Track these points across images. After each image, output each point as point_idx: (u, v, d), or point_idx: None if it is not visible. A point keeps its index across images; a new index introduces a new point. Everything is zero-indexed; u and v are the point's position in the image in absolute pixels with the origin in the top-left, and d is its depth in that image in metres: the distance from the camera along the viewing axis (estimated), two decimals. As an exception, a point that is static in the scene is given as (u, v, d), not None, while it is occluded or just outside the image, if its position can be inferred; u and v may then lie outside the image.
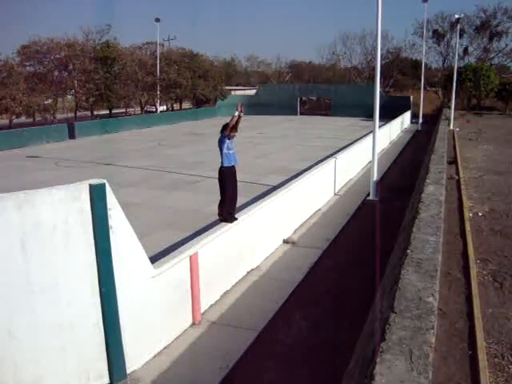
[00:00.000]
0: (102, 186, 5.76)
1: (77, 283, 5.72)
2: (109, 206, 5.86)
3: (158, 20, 50.53)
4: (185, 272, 7.79)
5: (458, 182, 18.12)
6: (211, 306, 8.68)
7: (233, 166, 9.78)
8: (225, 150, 9.58)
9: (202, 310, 8.35)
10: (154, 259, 7.36)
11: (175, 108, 63.83)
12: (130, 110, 59.59)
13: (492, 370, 6.43)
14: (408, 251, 7.73)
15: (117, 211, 6.05)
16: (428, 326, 5.24)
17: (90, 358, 6.00)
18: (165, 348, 7.30)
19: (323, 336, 7.72)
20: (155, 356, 7.07)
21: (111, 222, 5.90)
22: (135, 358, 6.65)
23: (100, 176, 6.23)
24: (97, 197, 5.69)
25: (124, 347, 6.30)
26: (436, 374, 5.91)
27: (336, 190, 17.58)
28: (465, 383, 6.08)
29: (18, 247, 5.15)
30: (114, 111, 51.32)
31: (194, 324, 8.05)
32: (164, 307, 7.31)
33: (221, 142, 9.65)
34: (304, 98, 63.09)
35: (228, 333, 7.88)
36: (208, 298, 8.59)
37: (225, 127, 9.52)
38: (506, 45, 70.64)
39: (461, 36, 63.05)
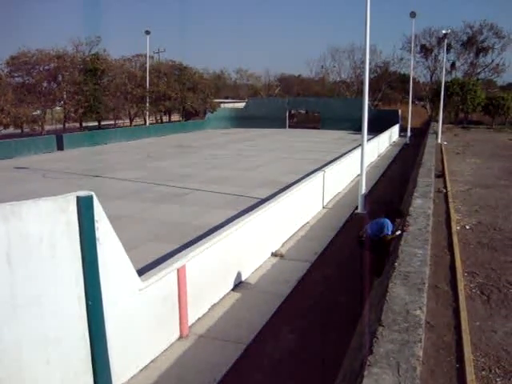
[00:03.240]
0: (90, 198, 5.72)
1: (63, 296, 5.66)
2: (96, 218, 5.82)
3: (147, 32, 50.67)
4: (172, 285, 7.75)
5: (446, 195, 18.23)
6: (199, 319, 8.63)
7: None
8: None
9: (190, 323, 8.30)
10: (141, 272, 7.31)
11: (164, 120, 63.82)
12: (119, 122, 59.50)
13: (479, 383, 6.44)
14: (396, 264, 7.76)
15: (104, 223, 6.01)
16: (415, 339, 5.24)
17: (76, 371, 5.93)
18: (152, 362, 7.24)
19: (311, 349, 7.70)
20: (142, 370, 7.00)
21: (98, 234, 5.86)
22: (122, 371, 6.57)
23: (88, 188, 6.19)
24: (84, 209, 5.65)
25: (110, 361, 6.23)
26: (424, 388, 5.91)
27: (324, 203, 17.61)
28: (452, 397, 6.08)
29: (3, 259, 5.09)
30: (102, 123, 51.22)
31: (181, 337, 7.99)
32: (151, 320, 7.26)
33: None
34: (293, 112, 63.41)
35: (216, 346, 7.83)
36: (196, 311, 8.55)
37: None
38: (492, 60, 72.10)
39: (448, 51, 63.97)
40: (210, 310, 8.99)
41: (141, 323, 7.01)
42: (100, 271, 5.91)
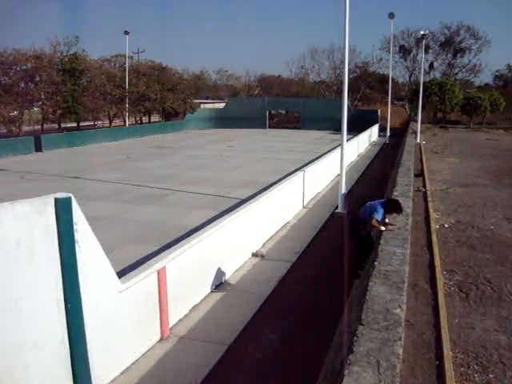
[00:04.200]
0: (68, 199, 5.66)
1: (41, 299, 5.59)
2: (75, 220, 5.76)
3: (126, 33, 50.27)
4: (153, 286, 7.70)
5: (425, 194, 18.38)
6: (180, 320, 8.59)
7: None
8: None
9: (171, 325, 8.26)
10: (121, 274, 7.27)
11: (144, 121, 63.51)
12: (99, 122, 59.08)
13: (458, 380, 6.50)
14: (375, 263, 7.81)
15: (83, 225, 5.96)
16: (395, 338, 5.27)
17: (55, 375, 5.86)
18: (133, 364, 7.19)
19: (292, 349, 7.71)
20: (123, 372, 6.95)
21: (77, 236, 5.80)
22: (102, 375, 6.52)
23: (67, 190, 6.13)
24: (62, 211, 5.58)
25: (90, 364, 6.17)
26: (404, 385, 5.96)
27: (305, 203, 17.66)
28: (432, 394, 6.13)
29: (-21, 263, 5.02)
30: (81, 124, 50.79)
31: (162, 339, 7.95)
32: (132, 322, 7.21)
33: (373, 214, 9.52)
34: (273, 112, 63.54)
35: (197, 347, 7.80)
36: (176, 312, 8.51)
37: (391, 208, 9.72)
38: (469, 61, 73.39)
39: (426, 52, 64.73)
40: (191, 311, 8.96)
41: (121, 325, 6.96)
42: (79, 274, 5.85)
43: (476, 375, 6.64)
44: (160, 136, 47.97)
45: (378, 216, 9.44)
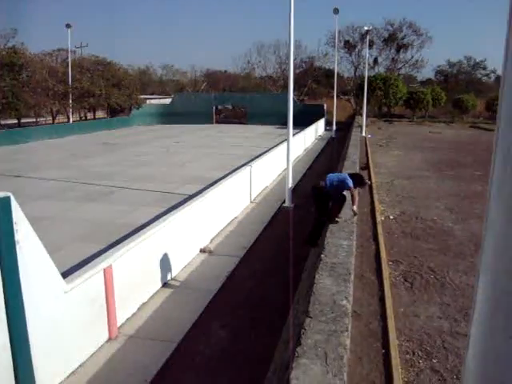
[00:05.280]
0: (7, 199, 5.50)
1: (-19, 304, 5.43)
2: (14, 220, 5.60)
3: (68, 26, 48.99)
4: (99, 286, 7.57)
5: (371, 186, 18.70)
6: (128, 319, 8.48)
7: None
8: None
9: (119, 324, 8.15)
10: (68, 274, 7.13)
11: (89, 117, 62.27)
12: (41, 119, 57.52)
13: (404, 366, 6.68)
14: (322, 256, 7.91)
15: (24, 225, 5.80)
16: (342, 329, 5.36)
17: (-3, 381, 5.71)
18: (80, 366, 7.03)
19: (242, 344, 7.73)
20: (69, 376, 6.79)
21: (18, 236, 5.64)
22: (47, 379, 6.34)
23: (8, 189, 5.94)
24: (1, 211, 5.43)
25: (35, 369, 6.02)
26: (352, 375, 6.06)
27: (252, 198, 17.71)
28: (379, 381, 6.25)
29: None
30: (23, 120, 49.28)
31: (110, 339, 7.83)
32: (78, 323, 7.07)
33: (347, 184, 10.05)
34: (220, 107, 63.30)
35: (146, 346, 7.72)
36: (124, 311, 8.40)
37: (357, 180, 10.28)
38: (412, 56, 75.51)
39: (370, 47, 66.17)
40: (139, 309, 8.86)
41: (67, 327, 6.81)
42: (21, 276, 5.70)
43: (421, 361, 6.85)
44: (105, 132, 47.08)
45: (352, 185, 9.97)
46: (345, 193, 10.45)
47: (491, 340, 1.44)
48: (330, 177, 10.38)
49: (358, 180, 10.36)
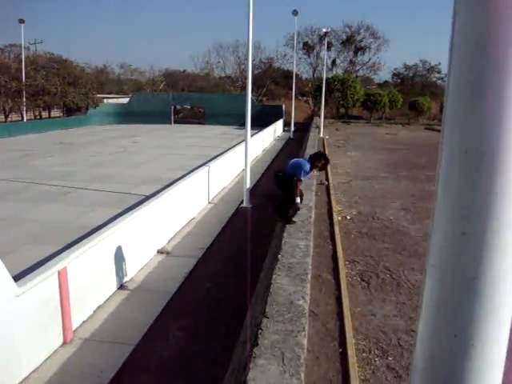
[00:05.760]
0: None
1: None
2: (-36, 222, 5.46)
3: (22, 21, 47.76)
4: (53, 288, 7.42)
5: (328, 187, 18.89)
6: (83, 322, 8.35)
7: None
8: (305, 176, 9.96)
9: (74, 327, 8.01)
10: (19, 277, 6.96)
11: (44, 116, 60.98)
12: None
13: (361, 365, 6.76)
14: (279, 256, 7.93)
15: (-26, 227, 5.66)
16: (299, 329, 5.38)
17: None
18: (33, 372, 6.86)
19: (200, 346, 7.70)
20: (22, 382, 6.63)
21: (-33, 239, 5.51)
22: (-2, 385, 6.23)
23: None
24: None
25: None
26: (309, 374, 6.10)
27: (210, 199, 17.67)
28: (336, 379, 6.32)
29: None
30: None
31: (65, 343, 7.68)
32: (31, 327, 6.91)
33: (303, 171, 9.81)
34: (178, 107, 62.94)
35: (102, 349, 7.62)
36: (80, 314, 8.26)
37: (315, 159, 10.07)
38: (370, 59, 76.93)
39: (329, 49, 66.94)
40: (95, 312, 8.73)
41: (19, 332, 6.65)
42: (-30, 279, 5.55)
43: (377, 359, 6.94)
44: (61, 132, 46.10)
45: (301, 174, 9.76)
46: (308, 177, 10.41)
47: (437, 337, 1.47)
48: (290, 164, 10.17)
49: (318, 157, 10.16)
